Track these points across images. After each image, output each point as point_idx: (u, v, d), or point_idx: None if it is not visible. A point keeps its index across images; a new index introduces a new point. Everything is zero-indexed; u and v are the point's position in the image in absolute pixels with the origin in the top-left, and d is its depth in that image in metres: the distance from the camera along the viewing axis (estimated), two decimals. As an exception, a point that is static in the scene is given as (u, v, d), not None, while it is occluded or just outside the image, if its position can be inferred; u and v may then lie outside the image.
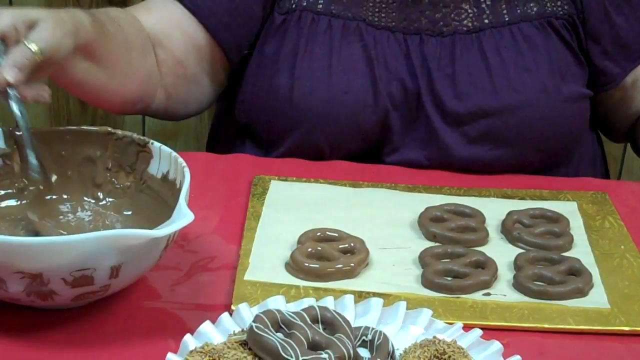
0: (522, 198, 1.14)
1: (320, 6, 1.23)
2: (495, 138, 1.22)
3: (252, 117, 1.27)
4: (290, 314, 0.81)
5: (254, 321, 0.79)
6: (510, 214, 1.08)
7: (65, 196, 1.02)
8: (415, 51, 1.22)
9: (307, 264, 0.95)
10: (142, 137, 1.00)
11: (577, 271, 0.98)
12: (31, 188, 1.00)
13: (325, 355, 0.76)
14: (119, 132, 1.01)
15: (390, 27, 1.23)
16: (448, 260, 0.99)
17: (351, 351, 0.78)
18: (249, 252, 0.99)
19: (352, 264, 0.96)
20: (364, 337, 0.82)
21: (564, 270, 0.98)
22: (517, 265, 0.99)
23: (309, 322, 0.81)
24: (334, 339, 0.79)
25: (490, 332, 0.87)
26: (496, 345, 0.83)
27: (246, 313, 0.85)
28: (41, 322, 0.87)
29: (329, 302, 0.87)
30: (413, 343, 0.83)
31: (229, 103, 1.33)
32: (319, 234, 1.01)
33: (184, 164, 0.94)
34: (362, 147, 1.24)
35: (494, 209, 1.10)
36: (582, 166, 1.32)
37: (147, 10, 1.23)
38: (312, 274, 0.95)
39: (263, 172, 1.17)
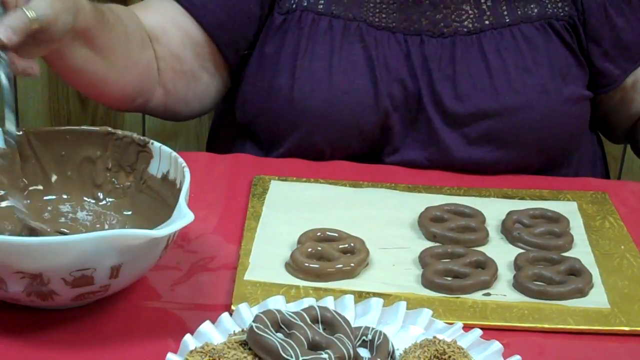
0: (522, 198, 1.14)
1: (321, 6, 1.23)
2: (496, 139, 1.22)
3: (252, 117, 1.27)
4: (290, 314, 0.81)
5: (254, 321, 0.79)
6: (510, 214, 1.08)
7: (65, 196, 1.02)
8: (415, 52, 1.22)
9: (307, 264, 0.95)
10: (142, 137, 1.00)
11: (577, 271, 0.98)
12: (31, 188, 1.00)
13: (325, 356, 0.76)
14: (119, 132, 1.01)
15: (390, 27, 1.23)
16: (448, 260, 0.99)
17: (351, 351, 0.78)
18: (249, 252, 0.99)
19: (352, 264, 0.96)
20: (364, 337, 0.82)
21: (564, 270, 0.98)
22: (517, 265, 0.99)
23: (309, 322, 0.81)
24: (334, 339, 0.79)
25: (490, 332, 0.87)
26: (496, 346, 0.83)
27: (246, 313, 0.85)
28: (41, 322, 0.87)
29: (329, 302, 0.87)
30: (413, 343, 0.83)
31: (229, 103, 1.33)
32: (319, 234, 1.01)
33: (184, 164, 0.94)
34: (363, 147, 1.24)
35: (494, 209, 1.10)
36: (582, 167, 1.32)
37: (144, 9, 1.24)
38: (312, 274, 0.95)
39: (263, 172, 1.17)
